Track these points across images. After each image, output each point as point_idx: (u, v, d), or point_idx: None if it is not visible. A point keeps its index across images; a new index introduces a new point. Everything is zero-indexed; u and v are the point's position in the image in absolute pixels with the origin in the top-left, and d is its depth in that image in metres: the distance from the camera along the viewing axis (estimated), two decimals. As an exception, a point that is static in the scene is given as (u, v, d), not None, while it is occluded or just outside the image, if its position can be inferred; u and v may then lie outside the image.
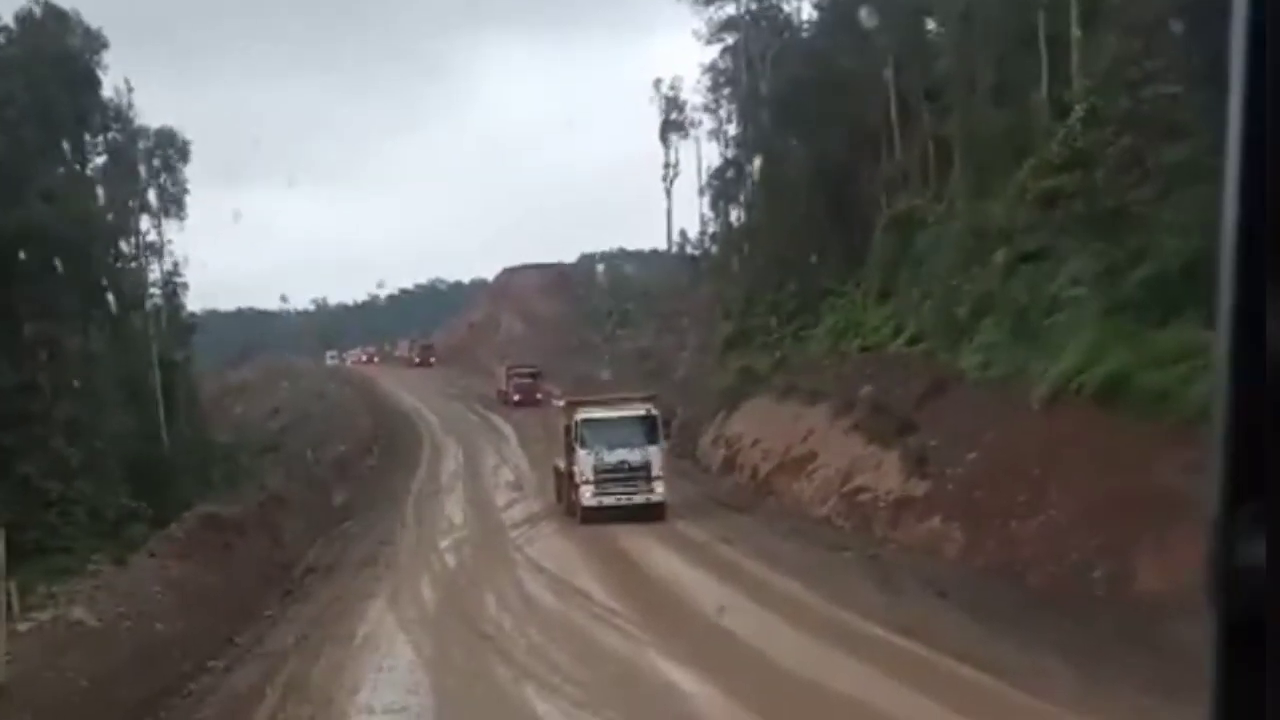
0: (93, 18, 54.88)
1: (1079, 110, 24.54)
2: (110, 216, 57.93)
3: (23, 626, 19.67)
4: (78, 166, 56.40)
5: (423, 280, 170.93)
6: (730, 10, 62.09)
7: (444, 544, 30.63)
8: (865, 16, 41.33)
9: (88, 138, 57.05)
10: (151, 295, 60.80)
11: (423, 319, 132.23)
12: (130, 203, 60.65)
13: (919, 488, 25.17)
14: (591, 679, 16.17)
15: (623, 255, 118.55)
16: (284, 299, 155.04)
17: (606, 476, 30.96)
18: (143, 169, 61.69)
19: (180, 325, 63.93)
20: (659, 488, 31.27)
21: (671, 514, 31.05)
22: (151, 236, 61.85)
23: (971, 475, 23.20)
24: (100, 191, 58.36)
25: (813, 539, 26.68)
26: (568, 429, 32.92)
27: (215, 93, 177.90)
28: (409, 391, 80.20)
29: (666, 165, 78.34)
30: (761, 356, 44.36)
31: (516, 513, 35.16)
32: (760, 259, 51.96)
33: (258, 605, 24.74)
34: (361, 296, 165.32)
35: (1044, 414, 21.81)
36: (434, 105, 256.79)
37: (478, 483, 43.62)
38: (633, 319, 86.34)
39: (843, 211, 43.07)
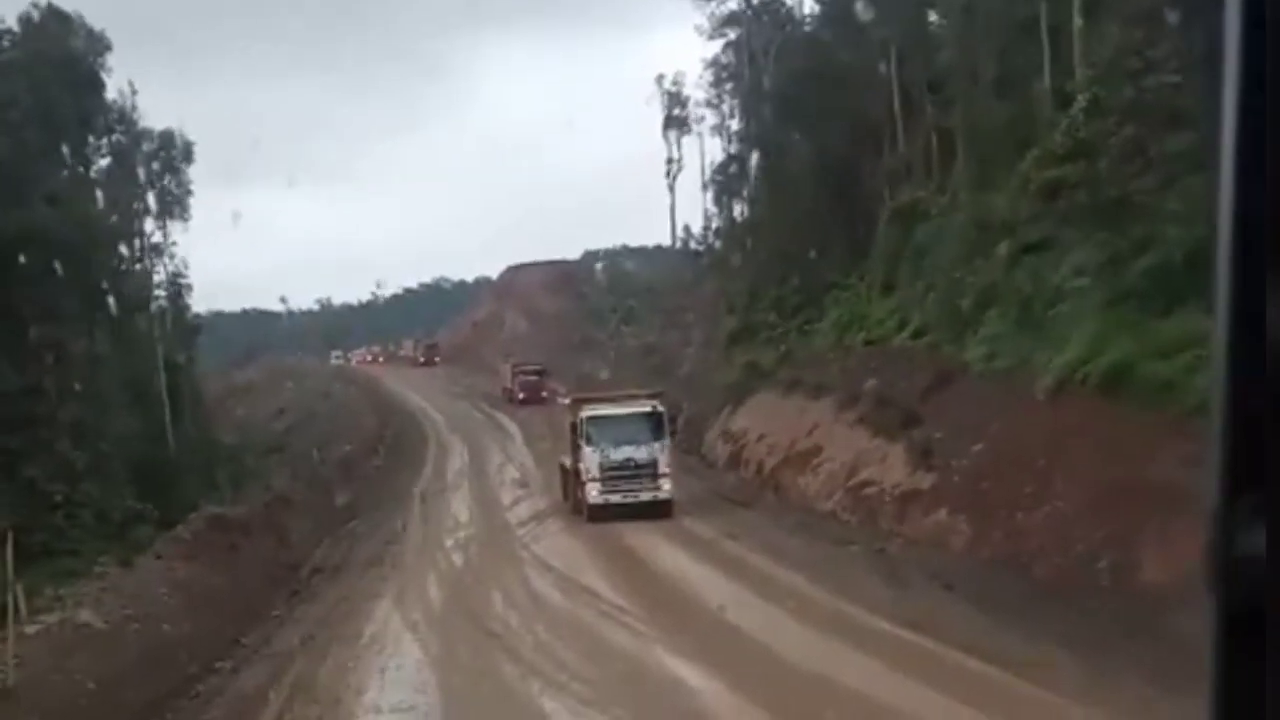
0: (93, 19, 55.13)
1: (1081, 100, 24.52)
2: (114, 218, 58.07)
3: (30, 629, 19.67)
4: (80, 169, 56.52)
5: (426, 279, 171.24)
6: (732, 5, 62.24)
7: (450, 543, 30.61)
8: (866, 9, 41.31)
9: (91, 140, 57.18)
10: (156, 297, 60.94)
11: (427, 318, 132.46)
12: (134, 205, 60.79)
13: (925, 480, 25.13)
14: (599, 676, 16.16)
15: (627, 252, 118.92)
16: (283, 300, 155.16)
17: (613, 474, 30.81)
18: (141, 171, 61.81)
19: (185, 327, 64.13)
20: (665, 485, 31.10)
21: (677, 510, 30.94)
22: (156, 238, 62.12)
23: (977, 467, 23.17)
24: (102, 194, 58.47)
25: (819, 533, 26.68)
26: (573, 427, 32.83)
27: (215, 93, 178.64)
28: (414, 390, 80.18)
29: (669, 161, 78.52)
30: (766, 351, 44.31)
31: (523, 511, 35.10)
32: (764, 253, 51.91)
33: (264, 606, 24.75)
34: (365, 296, 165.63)
35: (1049, 405, 21.78)
36: (434, 105, 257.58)
37: (483, 481, 43.58)
38: (637, 315, 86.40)
39: (846, 205, 43.06)
